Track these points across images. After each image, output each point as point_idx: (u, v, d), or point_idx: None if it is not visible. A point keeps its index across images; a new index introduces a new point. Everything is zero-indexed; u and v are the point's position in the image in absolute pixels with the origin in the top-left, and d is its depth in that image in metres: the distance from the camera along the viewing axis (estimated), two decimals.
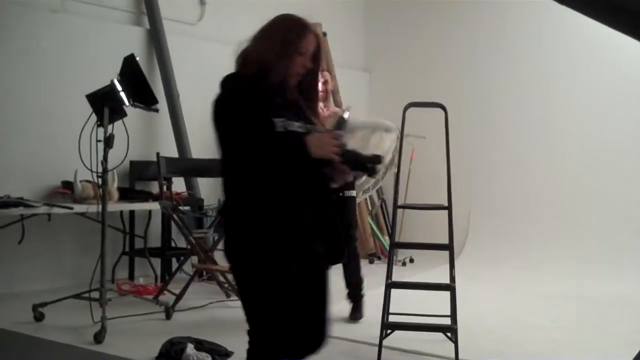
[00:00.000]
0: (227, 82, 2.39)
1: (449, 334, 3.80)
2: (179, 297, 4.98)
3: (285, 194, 2.32)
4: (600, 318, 4.98)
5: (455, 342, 3.73)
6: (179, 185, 6.19)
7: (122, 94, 4.25)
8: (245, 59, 2.40)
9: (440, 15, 8.45)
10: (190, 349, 3.74)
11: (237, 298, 5.12)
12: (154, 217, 6.13)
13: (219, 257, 5.75)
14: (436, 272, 6.49)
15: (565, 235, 7.30)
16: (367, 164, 2.35)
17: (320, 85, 4.59)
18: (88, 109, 4.29)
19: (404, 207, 4.43)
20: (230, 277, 5.51)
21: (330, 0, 8.27)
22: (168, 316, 4.71)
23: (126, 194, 5.70)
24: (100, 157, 4.17)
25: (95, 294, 4.30)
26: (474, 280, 6.14)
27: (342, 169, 2.36)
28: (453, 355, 3.73)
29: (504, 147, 8.01)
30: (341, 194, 4.63)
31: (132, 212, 6.02)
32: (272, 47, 2.35)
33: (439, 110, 3.98)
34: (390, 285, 3.93)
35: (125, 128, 4.28)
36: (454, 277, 3.90)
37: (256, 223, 2.32)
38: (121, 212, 5.94)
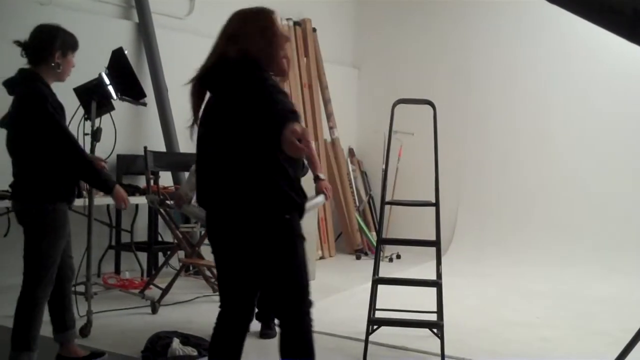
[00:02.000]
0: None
1: (435, 330, 3.82)
2: (165, 291, 4.97)
3: None
4: (586, 316, 5.01)
5: (442, 338, 3.74)
6: (166, 179, 6.17)
7: (110, 88, 4.23)
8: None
9: (430, 12, 8.47)
10: (176, 343, 3.74)
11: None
12: (140, 211, 6.12)
13: (206, 251, 5.74)
14: (423, 268, 6.52)
15: (552, 234, 7.34)
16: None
17: None
18: (75, 102, 4.26)
19: (391, 203, 4.42)
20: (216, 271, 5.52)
21: None
22: (154, 311, 4.70)
23: None
24: (87, 151, 4.14)
25: (81, 288, 4.27)
26: (460, 277, 6.16)
27: None
28: (439, 351, 3.74)
29: (492, 144, 8.04)
30: None
31: None
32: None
33: (428, 107, 3.99)
34: (377, 281, 3.94)
35: (113, 122, 4.26)
36: (441, 274, 3.91)
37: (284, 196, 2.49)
38: (108, 205, 5.92)
